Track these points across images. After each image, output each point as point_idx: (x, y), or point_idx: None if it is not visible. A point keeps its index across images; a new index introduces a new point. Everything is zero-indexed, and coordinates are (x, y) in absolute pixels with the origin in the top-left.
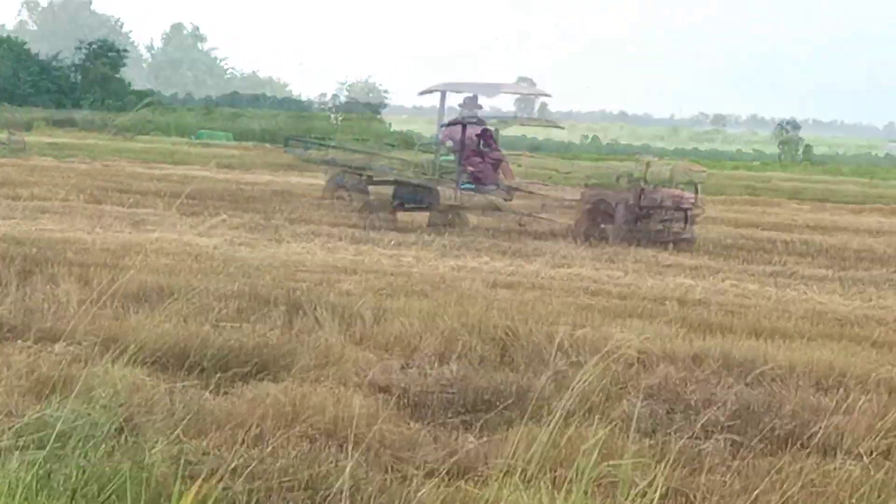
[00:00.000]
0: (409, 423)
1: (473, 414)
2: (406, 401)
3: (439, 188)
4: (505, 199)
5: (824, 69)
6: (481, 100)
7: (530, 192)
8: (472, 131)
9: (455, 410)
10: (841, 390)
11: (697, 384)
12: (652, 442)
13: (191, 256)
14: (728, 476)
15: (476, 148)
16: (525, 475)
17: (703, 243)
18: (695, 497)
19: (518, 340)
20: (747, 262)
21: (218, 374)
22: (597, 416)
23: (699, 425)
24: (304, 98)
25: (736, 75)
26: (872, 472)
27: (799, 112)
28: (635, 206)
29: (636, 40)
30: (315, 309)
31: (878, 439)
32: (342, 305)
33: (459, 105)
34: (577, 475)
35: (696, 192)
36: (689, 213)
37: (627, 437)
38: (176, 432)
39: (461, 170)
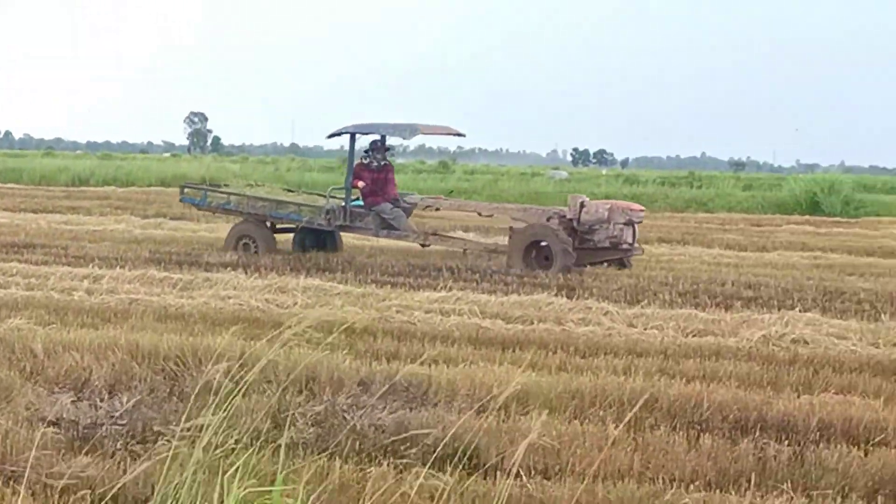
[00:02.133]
0: (78, 456)
1: (143, 445)
2: (76, 433)
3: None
4: (422, 245)
5: (490, 101)
6: (396, 142)
7: (452, 238)
8: (378, 174)
9: (124, 442)
10: (502, 411)
11: (363, 410)
12: (318, 466)
13: None
14: (393, 499)
15: (381, 189)
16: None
17: (370, 271)
18: None
19: (188, 370)
20: (414, 288)
21: None
22: (263, 444)
23: (364, 450)
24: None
25: (403, 107)
26: (531, 490)
27: (465, 142)
28: (572, 228)
29: (306, 76)
30: None
31: (536, 458)
32: (12, 341)
33: (365, 151)
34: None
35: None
36: (636, 226)
37: (293, 462)
38: None
39: (370, 214)
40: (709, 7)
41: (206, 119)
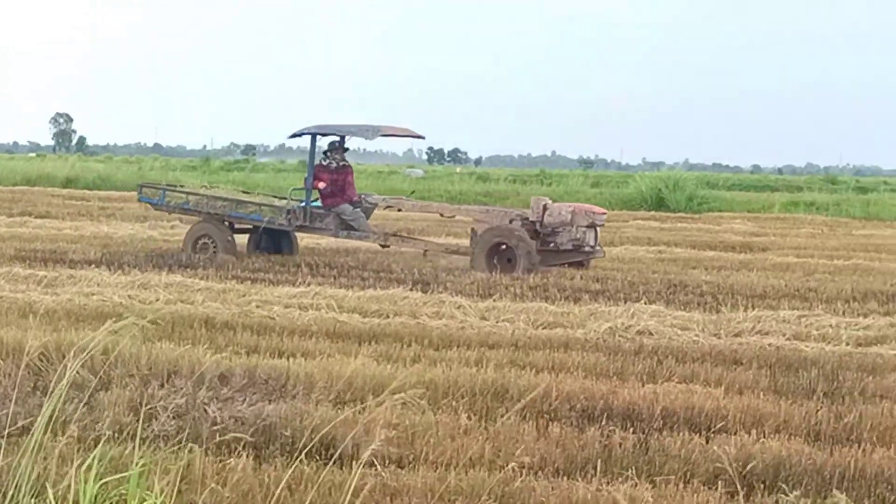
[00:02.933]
0: None
1: (7, 439)
2: None
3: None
4: (382, 246)
5: (348, 101)
6: (358, 142)
7: (412, 239)
8: (337, 175)
9: None
10: (358, 403)
11: (223, 402)
12: (178, 458)
13: None
14: (252, 488)
15: (340, 190)
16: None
17: (231, 267)
18: None
19: (52, 366)
20: (273, 283)
21: None
22: (128, 436)
23: (224, 442)
24: None
25: (265, 107)
26: (386, 479)
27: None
28: (535, 230)
29: (169, 77)
30: None
31: (391, 448)
32: None
33: (324, 152)
34: (82, 493)
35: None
36: (598, 228)
37: (154, 455)
38: None
39: (330, 215)
40: (556, 9)
41: (71, 120)
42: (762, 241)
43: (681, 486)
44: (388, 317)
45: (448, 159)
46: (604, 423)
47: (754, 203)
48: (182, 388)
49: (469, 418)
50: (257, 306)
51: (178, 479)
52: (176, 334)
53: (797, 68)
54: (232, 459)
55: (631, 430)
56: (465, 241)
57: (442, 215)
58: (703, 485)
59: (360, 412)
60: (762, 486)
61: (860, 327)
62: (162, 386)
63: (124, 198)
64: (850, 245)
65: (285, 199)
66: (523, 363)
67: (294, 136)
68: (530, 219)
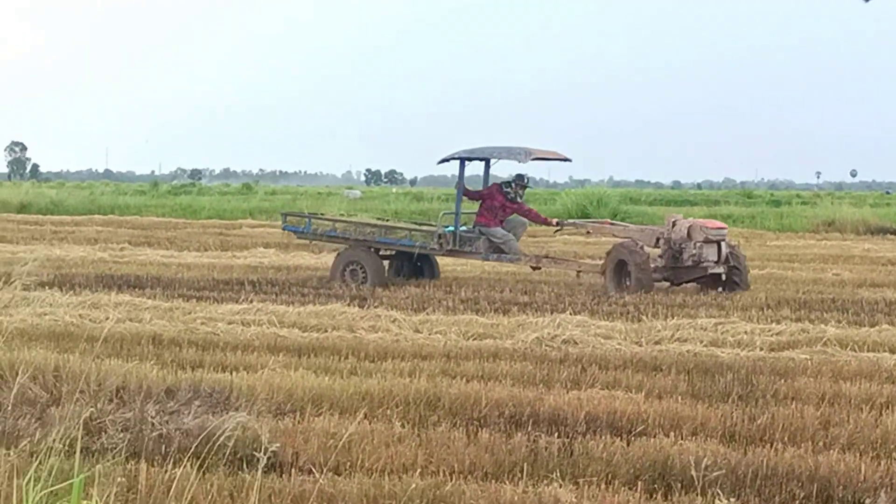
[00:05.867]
0: None
1: None
2: None
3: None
4: (533, 268)
5: (289, 125)
6: (515, 166)
7: (565, 261)
8: (508, 203)
9: None
10: (297, 413)
11: (170, 415)
12: (126, 469)
13: None
14: (196, 497)
15: (498, 216)
16: None
17: (178, 286)
18: None
19: (6, 384)
20: (217, 301)
21: None
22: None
23: (170, 453)
24: None
25: (211, 133)
26: (323, 486)
27: (267, 164)
28: (669, 248)
29: (118, 106)
30: None
31: (328, 455)
32: None
33: (510, 181)
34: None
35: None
36: (722, 244)
37: (103, 467)
38: None
39: (480, 238)
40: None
41: (25, 148)
42: None
43: (603, 486)
44: (326, 331)
45: (385, 180)
46: (530, 428)
47: None
48: (130, 403)
49: (403, 426)
50: (202, 323)
51: (126, 489)
52: (125, 351)
53: (715, 89)
54: (177, 470)
55: (556, 434)
56: None
57: (588, 233)
58: (624, 486)
59: (299, 421)
60: (679, 485)
61: (773, 333)
62: (111, 401)
63: (76, 221)
64: (765, 255)
65: (429, 224)
66: (454, 373)
67: (442, 161)
68: (665, 236)
